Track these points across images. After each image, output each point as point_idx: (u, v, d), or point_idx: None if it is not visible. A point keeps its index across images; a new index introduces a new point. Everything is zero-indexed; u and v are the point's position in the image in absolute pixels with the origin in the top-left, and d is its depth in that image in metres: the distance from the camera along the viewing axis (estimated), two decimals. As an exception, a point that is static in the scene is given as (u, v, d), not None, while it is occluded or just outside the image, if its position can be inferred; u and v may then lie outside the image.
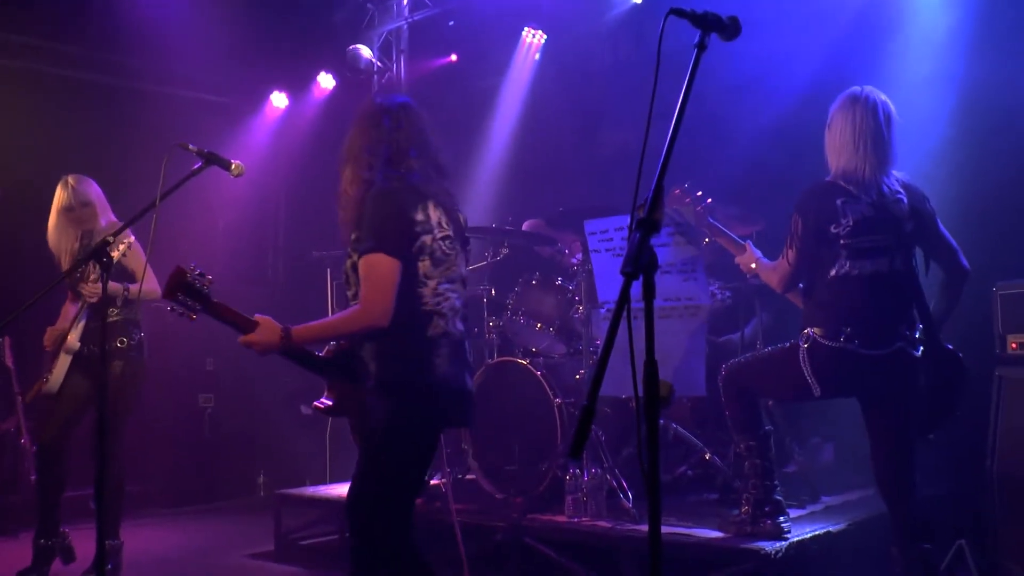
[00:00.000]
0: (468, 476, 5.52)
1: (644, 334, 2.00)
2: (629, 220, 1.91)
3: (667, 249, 3.42)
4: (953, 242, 3.98)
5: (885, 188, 3.83)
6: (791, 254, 3.88)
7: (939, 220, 3.97)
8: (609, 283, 3.68)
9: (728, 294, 5.69)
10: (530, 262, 6.28)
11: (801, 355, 3.82)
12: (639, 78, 6.56)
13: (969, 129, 5.50)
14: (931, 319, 3.88)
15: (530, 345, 5.78)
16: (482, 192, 7.82)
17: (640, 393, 1.99)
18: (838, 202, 3.79)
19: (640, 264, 1.96)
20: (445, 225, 3.18)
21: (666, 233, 3.46)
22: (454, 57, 8.39)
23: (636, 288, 1.96)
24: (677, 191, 4.25)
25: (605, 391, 3.68)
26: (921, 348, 3.83)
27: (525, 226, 6.38)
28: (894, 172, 3.92)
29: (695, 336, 3.43)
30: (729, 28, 2.31)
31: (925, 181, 4.10)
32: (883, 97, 3.90)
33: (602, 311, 3.73)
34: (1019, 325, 4.62)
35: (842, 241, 3.78)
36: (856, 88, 3.92)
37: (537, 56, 7.96)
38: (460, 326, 3.19)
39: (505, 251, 5.93)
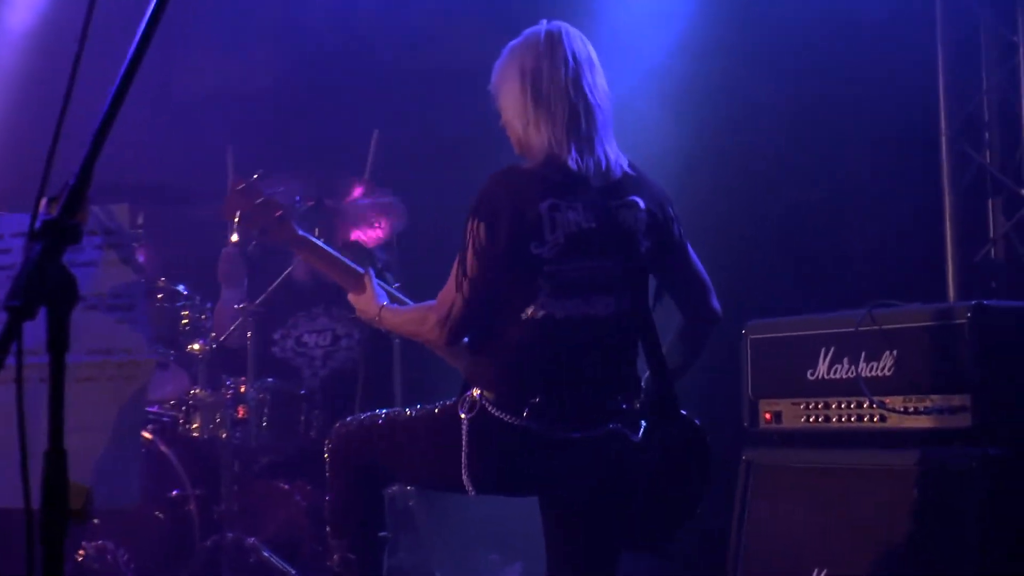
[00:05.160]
0: None
1: (49, 407, 1.99)
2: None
3: (93, 271, 3.37)
4: (704, 274, 4.21)
5: (610, 178, 3.97)
6: (466, 285, 3.88)
7: (684, 241, 4.17)
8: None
9: (347, 340, 5.87)
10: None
11: (463, 429, 3.89)
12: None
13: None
14: (668, 380, 4.10)
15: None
16: None
17: (36, 504, 1.98)
18: (543, 206, 3.83)
19: (39, 294, 1.95)
20: None
21: (92, 246, 3.41)
22: None
23: (36, 333, 1.96)
24: (241, 185, 4.26)
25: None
26: (644, 427, 4.00)
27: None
28: (617, 150, 4.06)
29: (131, 411, 3.42)
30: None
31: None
32: (580, 35, 4.07)
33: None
34: (776, 385, 5.02)
35: (546, 268, 3.83)
36: (541, 25, 4.04)
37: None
38: None
39: None
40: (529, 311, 3.86)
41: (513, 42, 4.09)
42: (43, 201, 2.07)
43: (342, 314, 6.48)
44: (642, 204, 4.01)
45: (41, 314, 1.96)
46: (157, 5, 2.20)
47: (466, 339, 4.03)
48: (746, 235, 6.37)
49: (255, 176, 4.31)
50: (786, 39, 6.29)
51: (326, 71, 7.98)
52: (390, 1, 7.40)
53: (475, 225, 3.89)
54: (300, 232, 4.38)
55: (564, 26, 4.06)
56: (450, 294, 3.95)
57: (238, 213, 4.30)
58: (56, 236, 1.99)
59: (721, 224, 5.99)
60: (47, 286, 1.96)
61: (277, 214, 4.36)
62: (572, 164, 3.90)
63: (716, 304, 4.23)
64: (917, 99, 6.13)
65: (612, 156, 4.01)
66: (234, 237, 4.12)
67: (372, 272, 4.36)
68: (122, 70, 2.13)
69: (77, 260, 3.50)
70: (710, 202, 5.91)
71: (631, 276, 4.00)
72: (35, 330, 1.95)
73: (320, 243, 4.44)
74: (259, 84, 8.08)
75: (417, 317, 4.13)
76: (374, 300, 4.29)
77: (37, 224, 2.01)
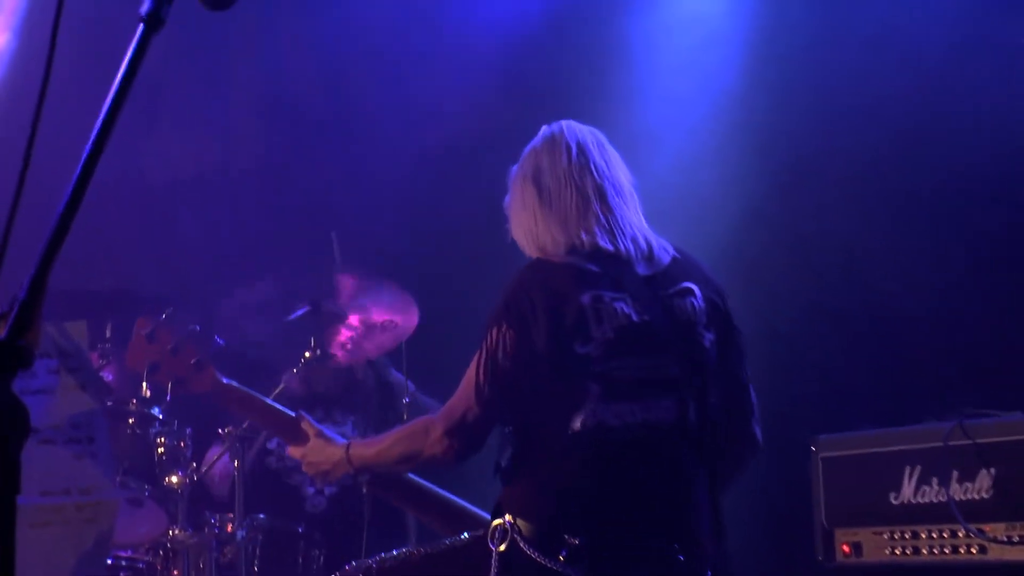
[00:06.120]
0: None
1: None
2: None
3: (47, 399, 3.34)
4: (752, 391, 4.17)
5: (657, 264, 4.01)
6: (487, 392, 3.89)
7: (742, 340, 4.15)
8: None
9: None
10: None
11: (493, 564, 3.83)
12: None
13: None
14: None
15: None
16: None
17: None
18: (585, 299, 3.85)
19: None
20: None
21: (45, 370, 3.38)
22: None
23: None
24: (147, 329, 4.24)
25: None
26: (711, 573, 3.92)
27: None
28: (654, 233, 4.11)
29: (93, 559, 3.37)
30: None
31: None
32: (589, 129, 4.20)
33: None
34: (854, 511, 4.93)
35: (595, 368, 3.83)
36: (544, 130, 4.20)
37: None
38: None
39: None
40: (578, 422, 3.81)
41: (515, 165, 4.21)
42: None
43: (345, 417, 6.49)
44: (698, 291, 4.01)
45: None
46: (124, 79, 2.17)
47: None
48: (809, 331, 6.28)
49: (163, 315, 4.27)
50: (851, 86, 6.22)
51: (319, 146, 7.97)
52: (386, 73, 7.40)
53: (502, 330, 3.88)
54: (224, 380, 4.37)
55: (566, 122, 4.18)
56: (462, 402, 3.94)
57: (147, 363, 4.25)
58: (4, 361, 1.95)
59: (776, 316, 5.92)
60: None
61: (193, 361, 4.33)
62: (608, 246, 3.92)
63: (758, 430, 4.18)
64: (1009, 166, 5.98)
65: (653, 240, 4.05)
66: (146, 391, 4.12)
67: (306, 414, 4.34)
68: (83, 159, 2.11)
69: (29, 387, 3.48)
70: (761, 283, 5.83)
71: (695, 375, 3.95)
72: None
73: (249, 391, 4.44)
74: (240, 170, 8.06)
75: (412, 433, 4.10)
76: (330, 445, 4.29)
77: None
